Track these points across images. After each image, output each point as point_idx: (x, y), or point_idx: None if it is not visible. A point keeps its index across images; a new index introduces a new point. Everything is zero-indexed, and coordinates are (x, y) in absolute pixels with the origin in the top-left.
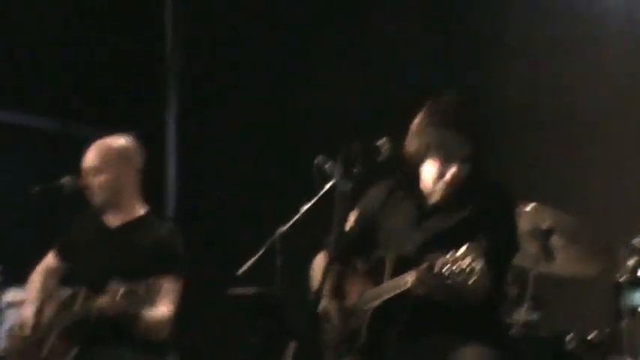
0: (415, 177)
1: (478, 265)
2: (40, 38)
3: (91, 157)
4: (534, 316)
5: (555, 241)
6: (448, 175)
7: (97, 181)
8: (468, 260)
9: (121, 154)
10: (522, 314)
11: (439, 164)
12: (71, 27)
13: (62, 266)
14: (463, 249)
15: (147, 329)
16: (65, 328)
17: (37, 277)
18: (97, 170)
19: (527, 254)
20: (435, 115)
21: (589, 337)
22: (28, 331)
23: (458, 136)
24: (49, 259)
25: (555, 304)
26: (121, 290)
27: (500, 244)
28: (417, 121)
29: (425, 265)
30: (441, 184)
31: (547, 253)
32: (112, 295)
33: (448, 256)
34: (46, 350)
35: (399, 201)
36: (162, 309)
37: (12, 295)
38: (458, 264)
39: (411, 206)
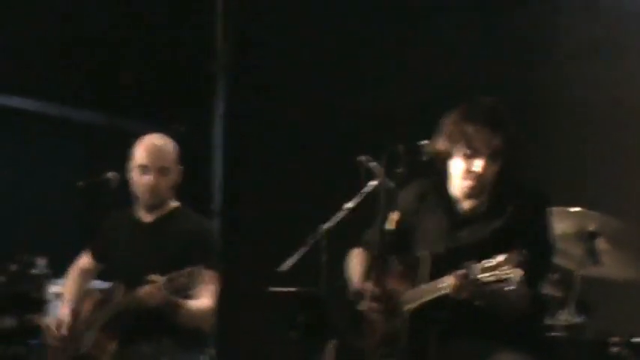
0: (443, 179)
1: (516, 274)
2: (90, 33)
3: (157, 155)
4: (579, 319)
5: (601, 244)
6: (474, 168)
7: (162, 182)
8: (505, 268)
9: (177, 153)
10: (567, 317)
11: (465, 159)
12: (120, 21)
13: (97, 267)
14: (501, 258)
15: (189, 320)
16: (106, 321)
17: (72, 276)
18: (168, 171)
19: (572, 257)
20: (461, 112)
21: (633, 341)
22: (65, 331)
23: (484, 130)
24: (84, 260)
25: (600, 308)
26: (162, 280)
27: (537, 253)
28: (444, 119)
29: (462, 271)
30: (467, 181)
31: (592, 256)
32: (154, 285)
33: (485, 263)
34: (89, 344)
35: (431, 205)
36: (204, 300)
37: (58, 286)
38: (495, 272)
39: (442, 212)
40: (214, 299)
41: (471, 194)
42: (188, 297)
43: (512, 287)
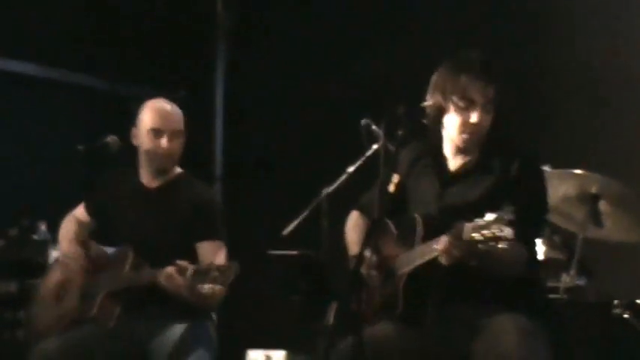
0: (437, 139)
1: (508, 232)
2: None
3: (174, 119)
4: (581, 282)
5: (603, 206)
6: (472, 120)
7: (175, 145)
8: (495, 227)
9: (183, 121)
10: (569, 279)
11: (460, 112)
12: None
13: (91, 222)
14: (491, 217)
15: (201, 302)
16: (114, 289)
17: (69, 224)
18: (179, 134)
19: (574, 219)
20: (453, 65)
21: (636, 303)
22: (82, 262)
23: (479, 80)
24: (79, 211)
25: (603, 270)
26: (190, 269)
27: (529, 210)
28: (435, 74)
29: (453, 231)
30: (464, 134)
31: (595, 218)
32: (179, 272)
33: (476, 222)
34: (95, 309)
35: (425, 166)
36: None
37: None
38: (485, 231)
39: (434, 172)
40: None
41: (468, 147)
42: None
43: (504, 246)
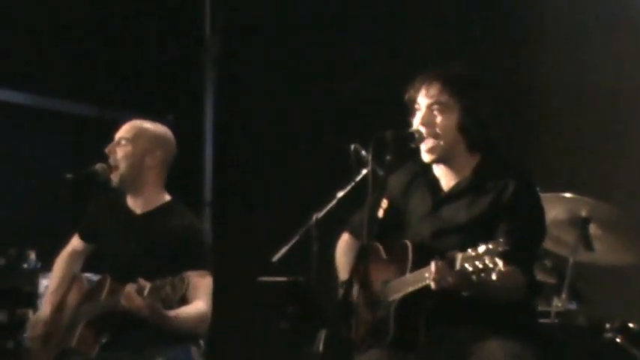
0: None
1: (500, 264)
2: (78, 24)
3: (123, 128)
4: (572, 306)
5: (593, 230)
6: (419, 122)
7: (122, 151)
8: (486, 259)
9: (154, 135)
10: (560, 303)
11: (414, 116)
12: (108, 11)
13: (87, 248)
14: (482, 248)
15: (179, 327)
16: (93, 318)
17: (59, 262)
18: (126, 141)
19: (565, 243)
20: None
21: (630, 326)
22: (39, 331)
23: (422, 85)
24: (75, 242)
25: (594, 294)
26: (147, 287)
27: (525, 234)
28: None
29: (445, 261)
30: (420, 138)
31: (585, 242)
32: (136, 291)
33: (469, 252)
34: (75, 340)
35: (418, 187)
36: (198, 304)
37: (49, 280)
38: (480, 260)
39: (427, 193)
40: (209, 302)
41: (432, 155)
42: (183, 301)
43: (495, 277)
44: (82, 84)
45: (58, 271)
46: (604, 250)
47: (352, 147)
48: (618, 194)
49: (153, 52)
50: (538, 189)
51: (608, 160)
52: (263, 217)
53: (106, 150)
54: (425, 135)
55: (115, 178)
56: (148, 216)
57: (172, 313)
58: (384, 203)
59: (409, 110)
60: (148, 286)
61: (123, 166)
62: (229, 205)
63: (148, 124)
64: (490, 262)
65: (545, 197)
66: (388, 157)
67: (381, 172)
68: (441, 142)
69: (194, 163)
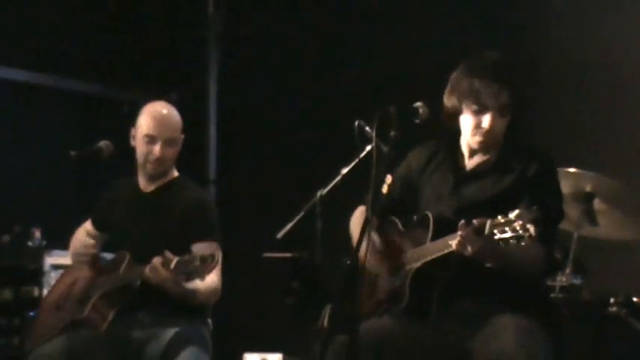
0: (455, 137)
1: (532, 229)
2: (82, 1)
3: (170, 126)
4: (577, 280)
5: (597, 204)
6: (483, 125)
7: (168, 152)
8: (518, 225)
9: (181, 126)
10: (565, 278)
11: (474, 114)
12: None
13: (100, 235)
14: (516, 212)
15: (193, 300)
16: (108, 290)
17: (80, 234)
18: (173, 142)
19: (569, 218)
20: (469, 67)
21: (634, 300)
22: (92, 250)
23: (492, 85)
24: (88, 225)
25: (598, 268)
26: (174, 260)
27: (549, 210)
28: (453, 75)
29: (473, 226)
30: (476, 137)
31: (589, 216)
32: (162, 263)
33: (499, 218)
34: (87, 310)
35: (440, 162)
36: (212, 277)
37: (54, 258)
38: (511, 226)
39: (449, 169)
40: (220, 275)
41: (481, 149)
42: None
43: (523, 244)
44: (86, 62)
45: (79, 238)
46: (608, 225)
47: (356, 123)
48: (622, 169)
49: (156, 30)
50: None
51: (613, 135)
52: (267, 193)
53: (154, 151)
54: (483, 135)
55: (156, 167)
56: (158, 192)
57: (192, 286)
58: (389, 179)
59: (459, 91)
60: (175, 259)
61: (165, 166)
62: (234, 183)
63: (175, 114)
64: (521, 228)
65: None
66: (392, 133)
67: (385, 148)
68: (494, 140)
69: (198, 140)
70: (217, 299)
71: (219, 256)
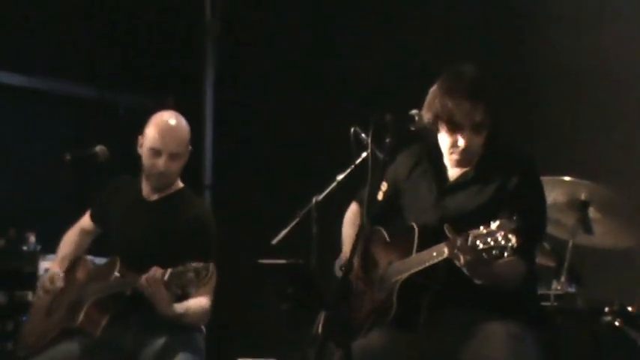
0: (437, 147)
1: (513, 239)
2: (76, 4)
3: (176, 140)
4: (572, 288)
5: (592, 213)
6: (459, 143)
7: (172, 166)
8: (502, 233)
9: (188, 138)
10: (559, 286)
11: (449, 133)
12: None
13: (96, 230)
14: (497, 222)
15: (181, 319)
16: (101, 298)
17: (71, 235)
18: (178, 156)
19: (564, 226)
20: (443, 85)
21: (628, 309)
22: (59, 284)
23: (464, 103)
24: (84, 222)
25: (593, 276)
26: (168, 272)
27: (529, 221)
28: (430, 90)
29: (460, 236)
30: (454, 155)
31: (584, 225)
32: (157, 275)
33: (482, 228)
34: (80, 318)
35: (423, 171)
36: (201, 299)
37: (50, 262)
38: (493, 236)
39: (432, 179)
40: (211, 296)
41: (460, 166)
42: (186, 294)
43: (505, 255)
44: (82, 66)
45: (65, 247)
46: (603, 233)
47: (352, 130)
48: (617, 177)
49: (153, 34)
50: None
51: (608, 144)
52: (263, 199)
53: (158, 165)
54: (460, 154)
55: (159, 180)
56: (161, 202)
57: (182, 308)
58: (384, 186)
59: (433, 112)
60: (168, 271)
61: (169, 179)
62: (229, 188)
63: (185, 127)
64: (503, 238)
65: (545, 180)
66: (388, 140)
67: (380, 155)
68: (471, 156)
69: (194, 145)
70: (207, 320)
71: (213, 271)
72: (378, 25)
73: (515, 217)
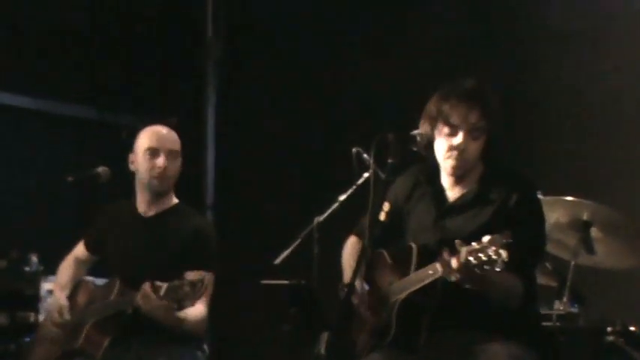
0: (436, 169)
1: (504, 255)
2: (77, 26)
3: (171, 140)
4: (574, 309)
5: (594, 233)
6: (454, 142)
7: (172, 166)
8: (492, 249)
9: (180, 145)
10: (562, 306)
11: (445, 137)
12: (109, 14)
13: (91, 258)
14: (488, 237)
15: (182, 328)
16: (101, 318)
17: (67, 266)
18: (175, 155)
19: (566, 246)
20: (441, 92)
21: (631, 329)
22: (67, 316)
23: (460, 105)
24: (79, 250)
25: (595, 296)
26: (164, 287)
27: (527, 241)
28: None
29: (454, 254)
30: (449, 160)
31: (586, 245)
32: (153, 290)
33: (474, 244)
34: (81, 340)
35: (423, 192)
36: (199, 307)
37: (52, 283)
38: (485, 251)
39: (431, 200)
40: (208, 305)
41: (456, 173)
42: (182, 307)
43: (497, 269)
44: (83, 87)
45: (62, 277)
46: (605, 254)
47: (354, 150)
48: (619, 197)
49: (154, 54)
50: (540, 193)
51: (610, 164)
52: (265, 220)
53: (159, 163)
54: (456, 158)
55: (161, 181)
56: (158, 218)
57: (182, 315)
58: (386, 206)
59: (430, 117)
60: (164, 286)
61: (168, 181)
62: (231, 209)
63: (173, 132)
64: (494, 253)
65: (547, 200)
66: (390, 160)
67: (382, 176)
68: (468, 163)
69: (196, 166)
70: (205, 327)
71: (208, 281)
72: (380, 46)
73: (506, 232)
